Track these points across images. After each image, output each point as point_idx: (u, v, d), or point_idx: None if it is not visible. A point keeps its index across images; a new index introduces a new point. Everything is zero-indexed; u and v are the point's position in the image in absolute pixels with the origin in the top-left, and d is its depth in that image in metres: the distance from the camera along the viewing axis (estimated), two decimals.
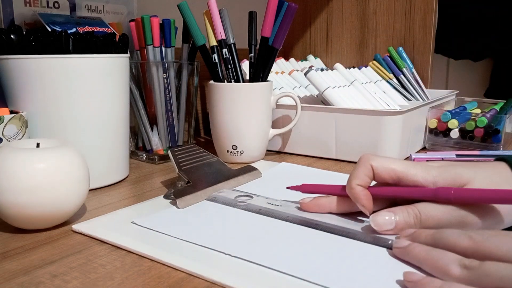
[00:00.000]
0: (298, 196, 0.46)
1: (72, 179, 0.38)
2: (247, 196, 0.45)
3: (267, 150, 0.66)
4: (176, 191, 0.44)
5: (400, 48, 0.89)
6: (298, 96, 0.66)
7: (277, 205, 0.42)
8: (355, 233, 0.36)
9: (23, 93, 0.46)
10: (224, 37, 0.62)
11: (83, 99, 0.47)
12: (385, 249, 0.33)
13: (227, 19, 0.62)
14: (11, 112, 0.46)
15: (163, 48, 0.63)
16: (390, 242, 0.34)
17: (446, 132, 0.67)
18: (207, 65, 0.62)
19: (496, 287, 0.25)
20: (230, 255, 0.33)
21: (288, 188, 0.43)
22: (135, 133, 0.65)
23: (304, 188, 0.43)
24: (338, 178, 0.53)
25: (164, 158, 0.63)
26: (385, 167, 0.37)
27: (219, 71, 0.63)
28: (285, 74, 0.78)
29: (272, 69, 0.67)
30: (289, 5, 0.60)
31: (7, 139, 0.44)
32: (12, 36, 0.45)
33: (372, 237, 0.35)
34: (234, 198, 0.45)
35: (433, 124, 0.68)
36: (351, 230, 0.36)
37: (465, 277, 0.26)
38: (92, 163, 0.48)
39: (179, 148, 0.52)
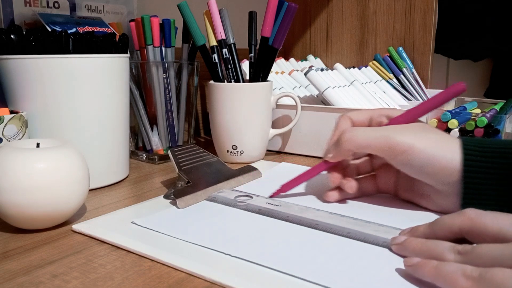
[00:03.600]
0: (298, 196, 0.46)
1: (72, 179, 0.38)
2: (247, 196, 0.45)
3: (267, 150, 0.66)
4: (176, 191, 0.44)
5: (400, 48, 0.89)
6: (298, 96, 0.66)
7: (277, 205, 0.42)
8: (355, 233, 0.36)
9: (23, 93, 0.46)
10: (224, 37, 0.62)
11: (83, 99, 0.47)
12: (385, 249, 0.33)
13: (227, 19, 0.62)
14: (11, 112, 0.46)
15: (163, 48, 0.63)
16: (389, 241, 0.34)
17: (446, 132, 0.67)
18: (207, 65, 0.62)
19: (489, 266, 0.26)
20: (230, 255, 0.33)
21: (271, 197, 0.45)
22: (135, 133, 0.65)
23: (285, 188, 0.45)
24: None
25: (164, 158, 0.63)
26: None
27: (219, 71, 0.63)
28: (285, 74, 0.78)
29: (272, 69, 0.67)
30: (289, 5, 0.60)
31: (7, 139, 0.44)
32: (12, 36, 0.45)
33: (372, 237, 0.35)
34: (233, 198, 0.45)
35: (433, 124, 0.68)
36: (351, 230, 0.36)
37: (459, 261, 0.28)
38: (92, 163, 0.48)
39: (179, 148, 0.52)
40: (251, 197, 0.45)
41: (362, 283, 0.29)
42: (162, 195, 0.47)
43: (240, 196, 0.45)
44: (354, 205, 0.43)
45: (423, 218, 0.40)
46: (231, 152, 0.61)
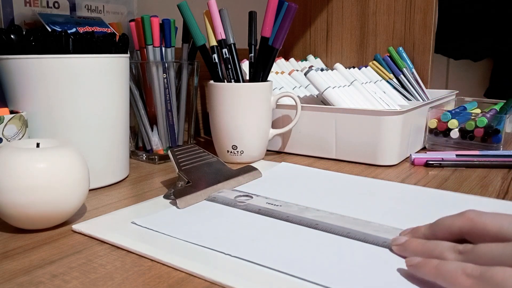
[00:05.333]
0: (298, 196, 0.46)
1: (72, 179, 0.38)
2: (246, 196, 0.45)
3: (267, 150, 0.66)
4: (176, 191, 0.44)
5: (400, 48, 0.89)
6: (298, 96, 0.66)
7: (277, 205, 0.42)
8: (355, 233, 0.36)
9: (23, 93, 0.46)
10: (224, 37, 0.62)
11: (83, 99, 0.47)
12: (385, 249, 0.33)
13: (227, 19, 0.62)
14: (11, 112, 0.46)
15: (163, 48, 0.63)
16: (389, 242, 0.34)
17: (446, 132, 0.67)
18: (207, 65, 0.62)
19: (490, 265, 0.26)
20: (230, 255, 0.33)
21: None
22: (135, 133, 0.65)
23: None
24: (338, 178, 0.53)
25: (164, 158, 0.63)
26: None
27: (219, 71, 0.63)
28: (285, 74, 0.78)
29: (272, 69, 0.67)
30: (289, 5, 0.60)
31: (7, 139, 0.44)
32: (12, 36, 0.45)
33: (372, 237, 0.35)
34: (233, 198, 0.45)
35: (433, 124, 0.68)
36: (351, 230, 0.36)
37: (460, 261, 0.28)
38: (92, 163, 0.48)
39: (179, 148, 0.52)
40: (251, 197, 0.45)
41: (362, 283, 0.29)
42: (162, 195, 0.47)
43: (240, 196, 0.45)
44: (354, 205, 0.43)
45: (423, 218, 0.40)
46: (231, 152, 0.61)
